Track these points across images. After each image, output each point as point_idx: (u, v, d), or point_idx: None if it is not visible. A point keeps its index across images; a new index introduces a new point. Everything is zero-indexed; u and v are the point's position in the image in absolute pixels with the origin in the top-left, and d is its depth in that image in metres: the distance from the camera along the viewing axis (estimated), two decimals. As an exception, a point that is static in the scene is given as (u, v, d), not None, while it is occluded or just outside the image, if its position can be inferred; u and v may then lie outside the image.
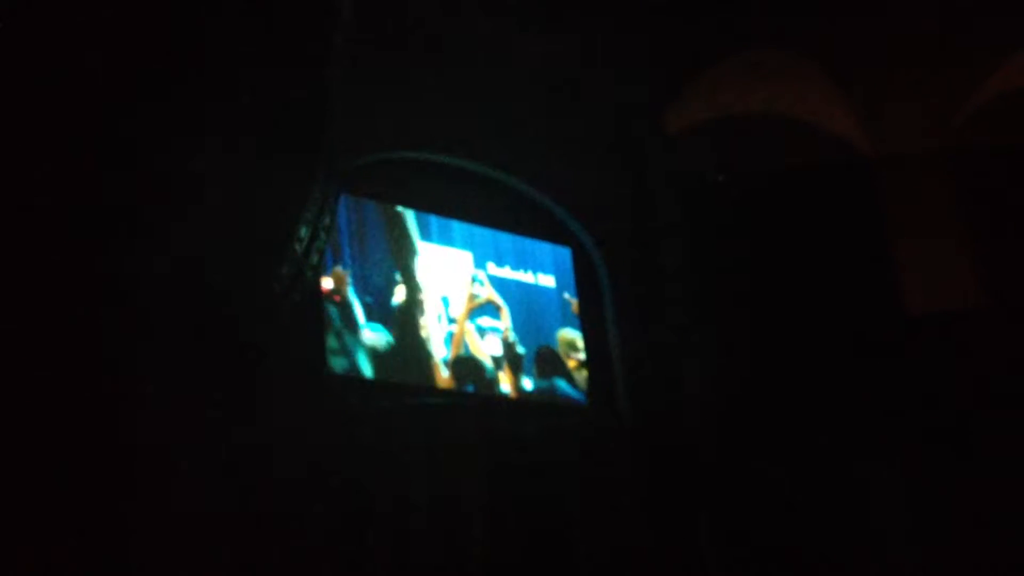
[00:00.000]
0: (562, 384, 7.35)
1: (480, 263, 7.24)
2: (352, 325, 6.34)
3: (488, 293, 7.20)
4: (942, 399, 7.18)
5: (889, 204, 7.85)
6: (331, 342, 6.13)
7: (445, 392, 6.67)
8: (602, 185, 7.96)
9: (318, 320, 6.01)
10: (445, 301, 6.94)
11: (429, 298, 6.84)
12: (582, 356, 7.50)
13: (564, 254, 7.77)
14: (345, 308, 6.33)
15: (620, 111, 8.11)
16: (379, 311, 6.54)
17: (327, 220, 6.09)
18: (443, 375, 6.71)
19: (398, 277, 6.73)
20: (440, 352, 6.74)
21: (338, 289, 6.34)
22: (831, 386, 7.44)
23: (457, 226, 7.22)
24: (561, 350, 7.46)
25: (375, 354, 6.39)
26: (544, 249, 7.71)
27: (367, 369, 6.32)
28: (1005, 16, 7.20)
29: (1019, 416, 6.97)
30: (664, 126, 7.97)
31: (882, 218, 7.86)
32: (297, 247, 5.68)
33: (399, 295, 6.70)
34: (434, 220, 7.09)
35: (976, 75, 7.52)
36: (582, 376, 7.46)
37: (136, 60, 4.88)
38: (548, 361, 7.34)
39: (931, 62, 7.48)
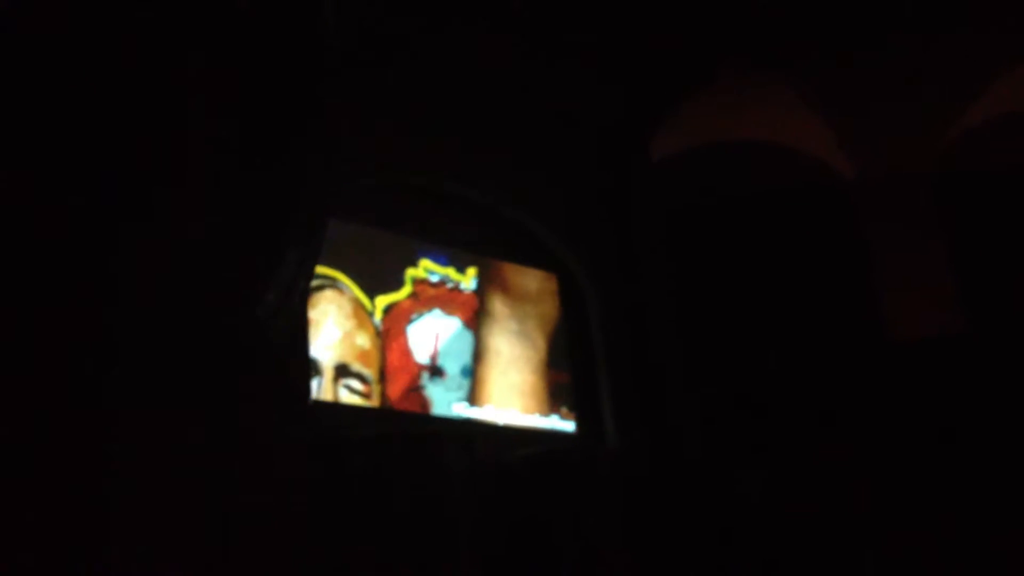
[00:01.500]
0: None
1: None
2: (337, 351, 6.29)
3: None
4: (925, 425, 7.18)
5: (870, 229, 7.88)
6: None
7: (432, 418, 6.62)
8: (588, 211, 7.96)
9: (304, 345, 5.95)
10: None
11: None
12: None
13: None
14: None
15: (606, 138, 8.13)
16: (365, 336, 6.50)
17: (315, 244, 6.05)
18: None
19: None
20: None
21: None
22: (815, 411, 7.46)
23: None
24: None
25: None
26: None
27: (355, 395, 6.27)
28: (987, 39, 7.24)
29: (1001, 441, 6.98)
30: (649, 153, 7.98)
31: (863, 243, 7.89)
32: (284, 272, 5.63)
33: (385, 319, 6.67)
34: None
35: (958, 99, 7.57)
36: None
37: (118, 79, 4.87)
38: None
39: (912, 86, 7.52)
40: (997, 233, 7.76)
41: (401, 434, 6.29)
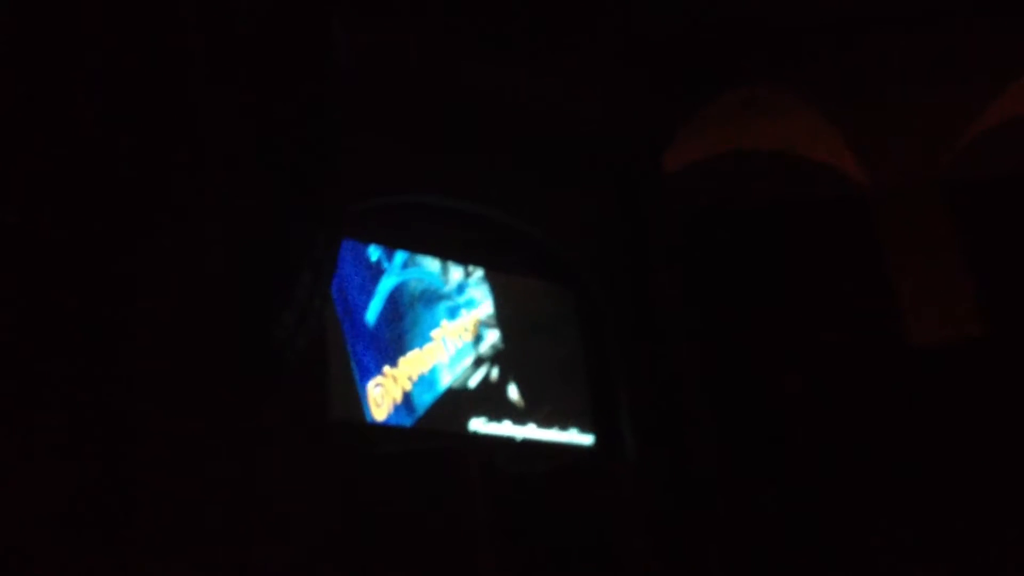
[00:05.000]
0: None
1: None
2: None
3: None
4: (945, 429, 7.16)
5: (887, 237, 7.87)
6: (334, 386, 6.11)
7: (450, 434, 6.65)
8: (604, 227, 7.97)
9: (321, 365, 5.99)
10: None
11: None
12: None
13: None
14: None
15: (620, 152, 8.13)
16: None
17: (330, 264, 6.11)
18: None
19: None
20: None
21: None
22: (835, 418, 7.45)
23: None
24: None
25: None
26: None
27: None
28: (999, 46, 7.23)
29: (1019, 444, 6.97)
30: (663, 163, 7.99)
31: (881, 251, 7.87)
32: (300, 292, 5.70)
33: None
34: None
35: (971, 106, 7.55)
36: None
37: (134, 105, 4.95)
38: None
39: (926, 94, 7.51)
40: (1013, 237, 7.72)
41: (422, 451, 6.33)
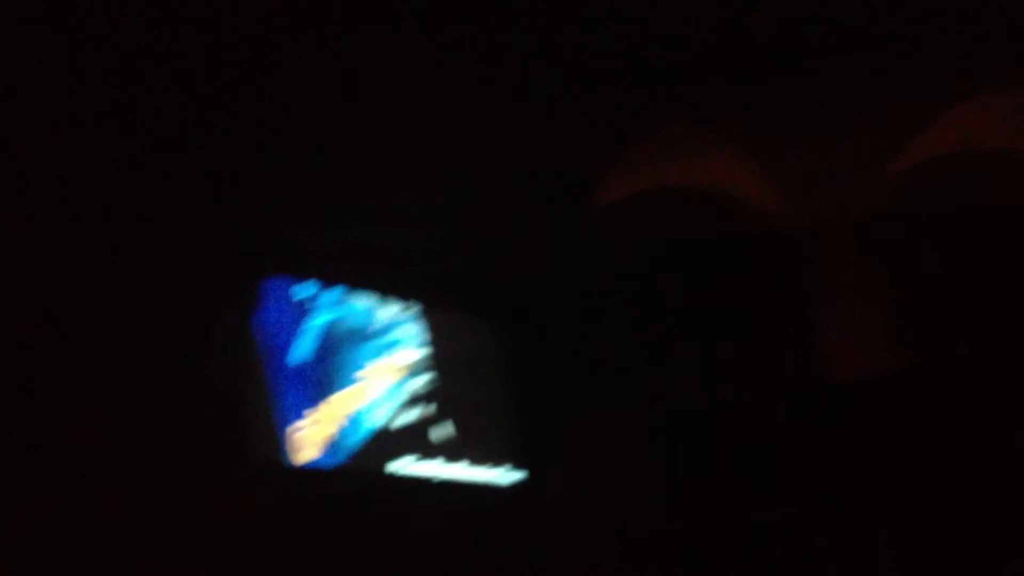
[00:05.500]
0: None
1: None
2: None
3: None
4: (868, 463, 7.23)
5: (815, 273, 7.95)
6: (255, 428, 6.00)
7: (377, 475, 6.56)
8: (534, 258, 7.97)
9: (242, 405, 5.89)
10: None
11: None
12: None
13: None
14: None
15: (551, 183, 8.14)
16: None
17: (252, 301, 6.04)
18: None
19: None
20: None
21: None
22: (760, 452, 7.52)
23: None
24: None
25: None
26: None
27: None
28: (925, 81, 7.34)
29: (940, 479, 7.03)
30: (594, 199, 8.02)
31: (808, 287, 7.95)
32: (221, 329, 5.62)
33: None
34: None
35: (899, 142, 7.66)
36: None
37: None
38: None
39: (854, 130, 7.60)
40: (933, 273, 7.85)
41: (348, 493, 6.25)
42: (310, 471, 6.20)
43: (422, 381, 7.17)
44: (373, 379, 6.87)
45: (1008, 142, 7.84)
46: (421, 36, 6.55)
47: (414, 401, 7.06)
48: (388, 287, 7.22)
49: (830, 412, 7.51)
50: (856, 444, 7.37)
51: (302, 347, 6.48)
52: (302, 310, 6.59)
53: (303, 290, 6.64)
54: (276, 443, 6.07)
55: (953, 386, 7.27)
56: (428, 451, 6.95)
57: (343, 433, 6.52)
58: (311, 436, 6.28)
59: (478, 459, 7.23)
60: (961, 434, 7.13)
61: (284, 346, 6.37)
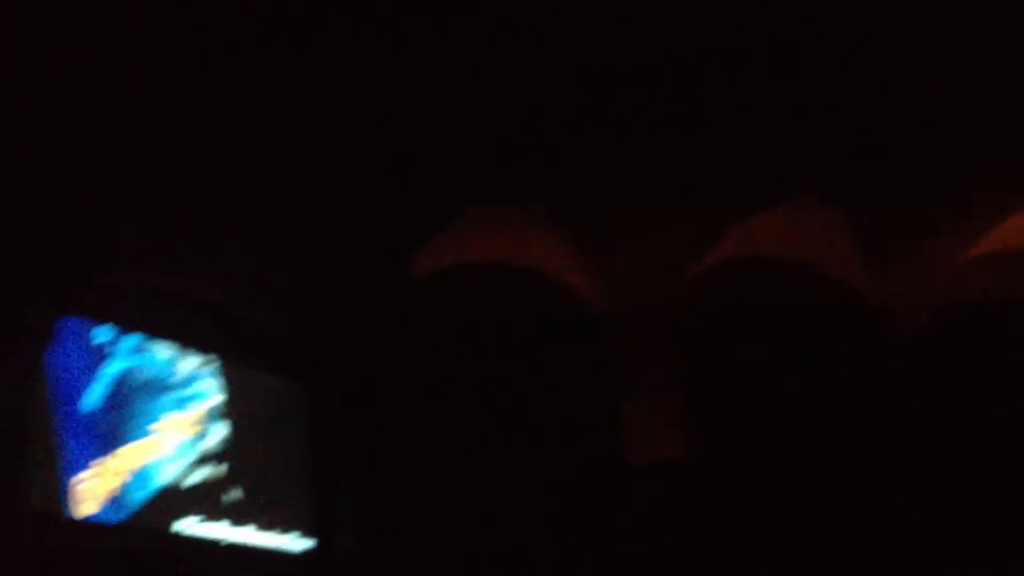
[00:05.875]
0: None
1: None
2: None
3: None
4: (663, 549, 7.43)
5: (616, 357, 8.20)
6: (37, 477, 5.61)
7: (160, 535, 6.24)
8: (344, 323, 7.88)
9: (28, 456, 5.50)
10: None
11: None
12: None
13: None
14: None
15: (368, 251, 8.10)
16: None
17: (49, 339, 5.70)
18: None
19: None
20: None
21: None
22: (559, 534, 7.62)
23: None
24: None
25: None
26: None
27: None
28: (729, 186, 7.73)
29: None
30: (410, 270, 8.03)
31: (609, 370, 8.18)
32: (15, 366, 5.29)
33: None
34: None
35: (704, 237, 8.04)
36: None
37: None
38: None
39: (662, 222, 7.92)
40: (728, 366, 8.25)
41: (128, 551, 5.92)
42: (90, 525, 5.83)
43: (216, 439, 6.90)
44: (166, 433, 6.56)
45: (790, 250, 8.42)
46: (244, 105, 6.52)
47: (206, 459, 6.78)
48: (189, 338, 6.95)
49: (627, 495, 7.70)
50: (649, 528, 7.57)
51: (94, 393, 6.14)
52: (98, 355, 6.25)
53: (101, 334, 6.32)
54: (58, 493, 5.68)
55: (741, 476, 7.63)
56: (216, 513, 6.67)
57: (128, 488, 6.17)
58: (94, 489, 5.92)
59: (267, 524, 6.99)
60: (747, 522, 7.46)
61: (76, 391, 6.01)
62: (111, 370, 6.30)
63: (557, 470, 7.91)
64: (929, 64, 6.54)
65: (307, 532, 7.23)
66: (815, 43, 6.43)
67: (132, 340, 6.53)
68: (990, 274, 7.90)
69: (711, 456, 7.83)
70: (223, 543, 6.62)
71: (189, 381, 6.86)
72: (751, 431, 7.97)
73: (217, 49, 5.98)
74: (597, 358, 8.23)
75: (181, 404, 6.75)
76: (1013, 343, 7.97)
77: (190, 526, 6.46)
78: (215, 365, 7.05)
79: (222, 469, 6.85)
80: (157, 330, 6.73)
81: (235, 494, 6.85)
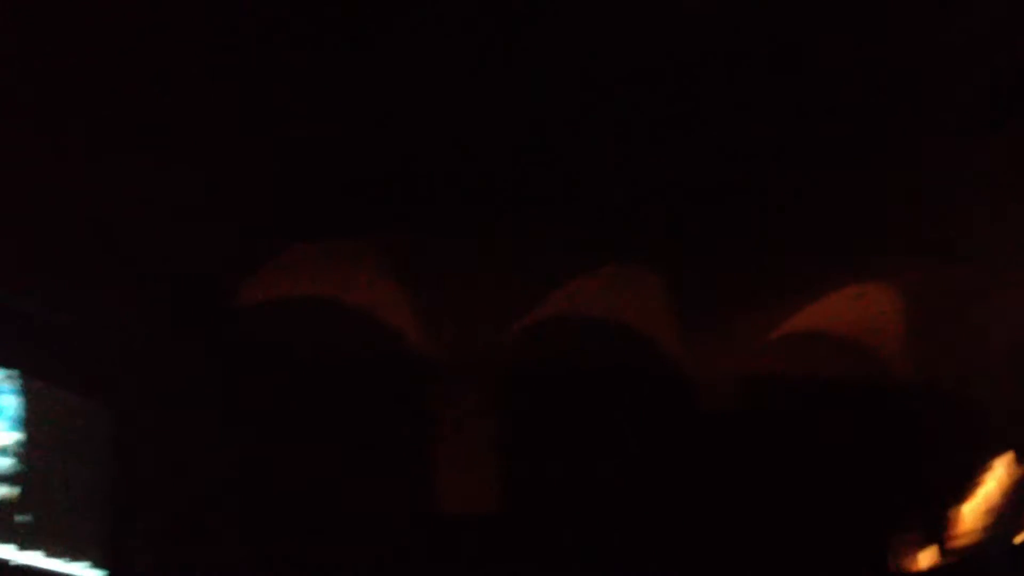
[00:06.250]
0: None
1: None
2: None
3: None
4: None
5: (435, 404, 8.25)
6: None
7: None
8: (157, 346, 7.62)
9: None
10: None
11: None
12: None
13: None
14: None
15: (184, 277, 7.88)
16: None
17: None
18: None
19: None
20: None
21: None
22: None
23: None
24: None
25: None
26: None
27: None
28: (565, 242, 7.96)
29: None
30: (234, 298, 7.87)
31: (427, 417, 8.22)
32: None
33: None
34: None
35: (530, 296, 8.25)
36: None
37: None
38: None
39: (492, 278, 8.08)
40: (544, 421, 8.44)
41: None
42: None
43: (12, 459, 6.48)
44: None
45: (610, 312, 8.75)
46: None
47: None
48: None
49: (438, 545, 7.71)
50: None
51: None
52: None
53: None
54: None
55: (548, 530, 7.78)
56: (4, 534, 6.24)
57: None
58: None
59: (58, 550, 6.60)
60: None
61: None
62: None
63: (367, 513, 7.81)
64: (755, 145, 6.98)
65: (99, 562, 6.88)
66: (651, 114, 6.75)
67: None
68: (796, 353, 8.45)
69: (521, 509, 7.95)
70: (10, 564, 6.22)
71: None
72: (561, 486, 8.15)
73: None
74: (416, 404, 8.24)
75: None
76: (812, 421, 8.51)
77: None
78: (16, 382, 6.65)
79: (15, 490, 6.44)
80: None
81: (26, 516, 6.44)
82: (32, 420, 6.63)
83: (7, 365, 6.57)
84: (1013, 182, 7.15)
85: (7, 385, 6.55)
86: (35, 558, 6.39)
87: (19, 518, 6.36)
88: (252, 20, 5.80)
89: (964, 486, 9.16)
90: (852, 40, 6.14)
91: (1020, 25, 5.95)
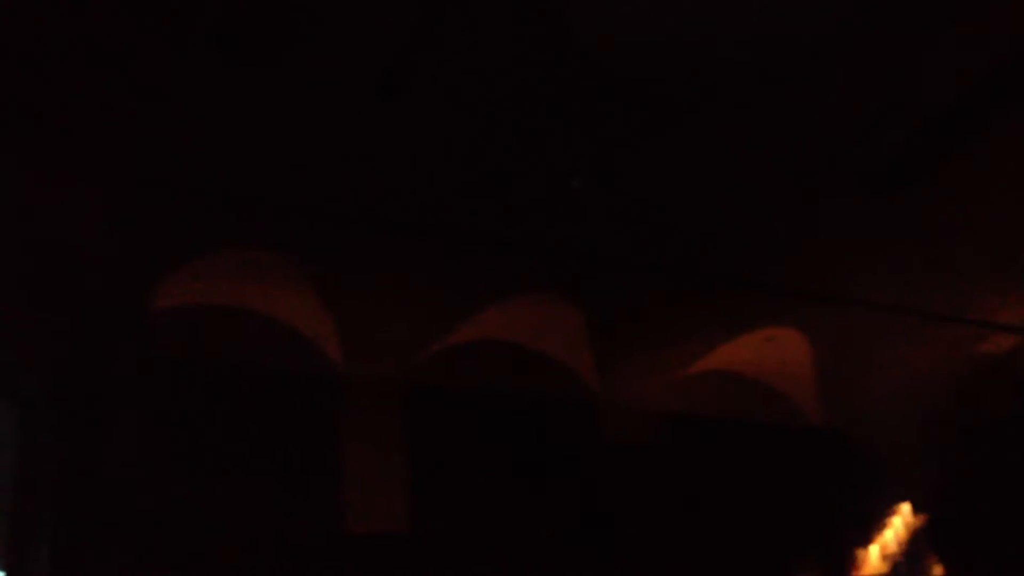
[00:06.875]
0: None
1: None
2: None
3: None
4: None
5: (344, 422, 8.22)
6: None
7: None
8: (68, 348, 7.49)
9: None
10: None
11: None
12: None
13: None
14: None
15: (100, 275, 7.77)
16: None
17: None
18: None
19: None
20: None
21: None
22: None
23: None
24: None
25: None
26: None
27: None
28: (484, 266, 8.00)
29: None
30: (150, 300, 7.77)
31: (338, 433, 8.19)
32: None
33: None
34: None
35: (445, 319, 8.28)
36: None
37: None
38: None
39: (409, 298, 8.10)
40: (449, 442, 8.47)
41: None
42: None
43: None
44: None
45: (524, 338, 8.86)
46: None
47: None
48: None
49: (340, 565, 7.67)
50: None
51: None
52: None
53: None
54: None
55: (454, 551, 7.79)
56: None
57: None
58: None
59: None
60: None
61: None
62: None
63: (273, 529, 7.73)
64: (679, 185, 7.14)
65: (-3, 566, 6.72)
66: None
67: None
68: (708, 390, 8.61)
69: (428, 530, 7.95)
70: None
71: None
72: (468, 508, 8.17)
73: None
74: (328, 418, 8.21)
75: None
76: (721, 458, 8.65)
77: None
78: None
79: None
80: None
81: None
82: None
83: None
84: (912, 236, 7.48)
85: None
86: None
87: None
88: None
89: (865, 530, 9.40)
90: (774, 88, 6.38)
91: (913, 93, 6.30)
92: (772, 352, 8.98)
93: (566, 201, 7.38)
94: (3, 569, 6.71)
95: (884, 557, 9.37)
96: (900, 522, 9.47)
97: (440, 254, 7.82)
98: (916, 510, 9.46)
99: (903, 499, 9.49)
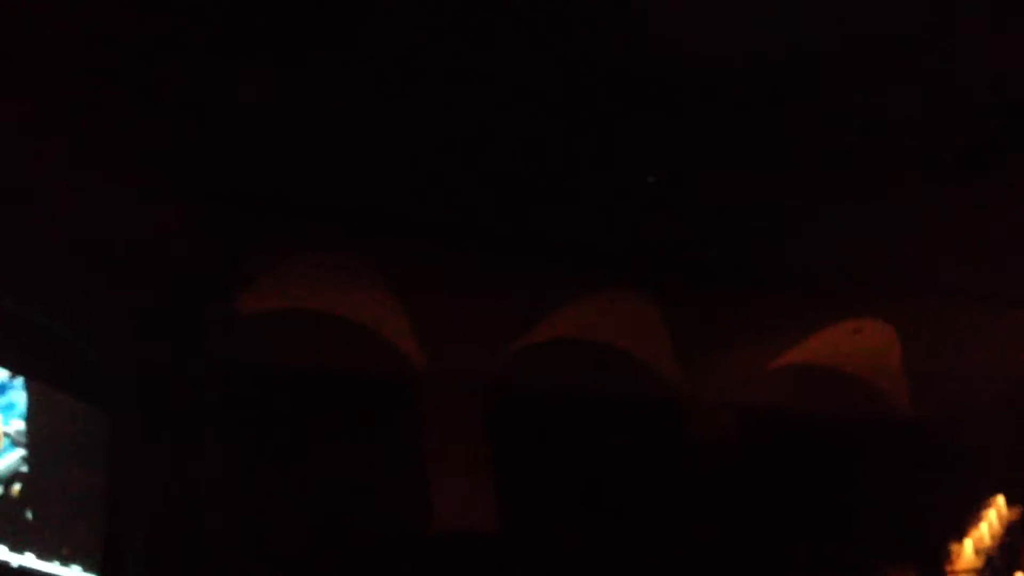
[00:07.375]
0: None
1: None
2: None
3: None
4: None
5: (428, 422, 8.26)
6: None
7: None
8: (159, 355, 7.64)
9: None
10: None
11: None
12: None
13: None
14: None
15: (188, 283, 7.91)
16: None
17: None
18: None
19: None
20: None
21: None
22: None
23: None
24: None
25: None
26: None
27: None
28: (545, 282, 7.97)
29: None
30: (235, 306, 7.89)
31: (421, 433, 8.23)
32: None
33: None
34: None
35: (528, 317, 8.27)
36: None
37: None
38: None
39: (489, 297, 8.12)
40: (537, 441, 8.46)
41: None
42: None
43: (13, 458, 6.51)
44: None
45: (607, 336, 8.81)
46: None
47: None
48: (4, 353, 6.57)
49: (428, 566, 7.71)
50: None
51: None
52: None
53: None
54: None
55: (540, 551, 7.78)
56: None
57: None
58: None
59: (50, 552, 6.60)
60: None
61: None
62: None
63: (360, 530, 7.80)
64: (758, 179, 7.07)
65: (91, 566, 6.88)
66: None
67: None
68: (794, 385, 8.48)
69: (513, 529, 7.95)
70: (2, 565, 6.23)
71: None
72: (553, 507, 8.15)
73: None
74: (411, 420, 8.26)
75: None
76: (808, 453, 8.52)
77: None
78: (18, 380, 6.69)
79: (13, 489, 6.47)
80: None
81: (22, 517, 6.47)
82: (34, 421, 6.67)
83: (9, 369, 6.62)
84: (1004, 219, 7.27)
85: (15, 383, 6.59)
86: (25, 560, 6.40)
87: (15, 518, 6.39)
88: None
89: (958, 525, 9.19)
90: (847, 82, 6.25)
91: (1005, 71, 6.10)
92: (860, 344, 8.83)
93: (643, 199, 7.33)
94: (96, 572, 6.87)
95: (978, 551, 9.16)
96: (994, 515, 9.26)
97: (520, 251, 7.82)
98: (1010, 503, 9.25)
99: (997, 492, 9.28)
